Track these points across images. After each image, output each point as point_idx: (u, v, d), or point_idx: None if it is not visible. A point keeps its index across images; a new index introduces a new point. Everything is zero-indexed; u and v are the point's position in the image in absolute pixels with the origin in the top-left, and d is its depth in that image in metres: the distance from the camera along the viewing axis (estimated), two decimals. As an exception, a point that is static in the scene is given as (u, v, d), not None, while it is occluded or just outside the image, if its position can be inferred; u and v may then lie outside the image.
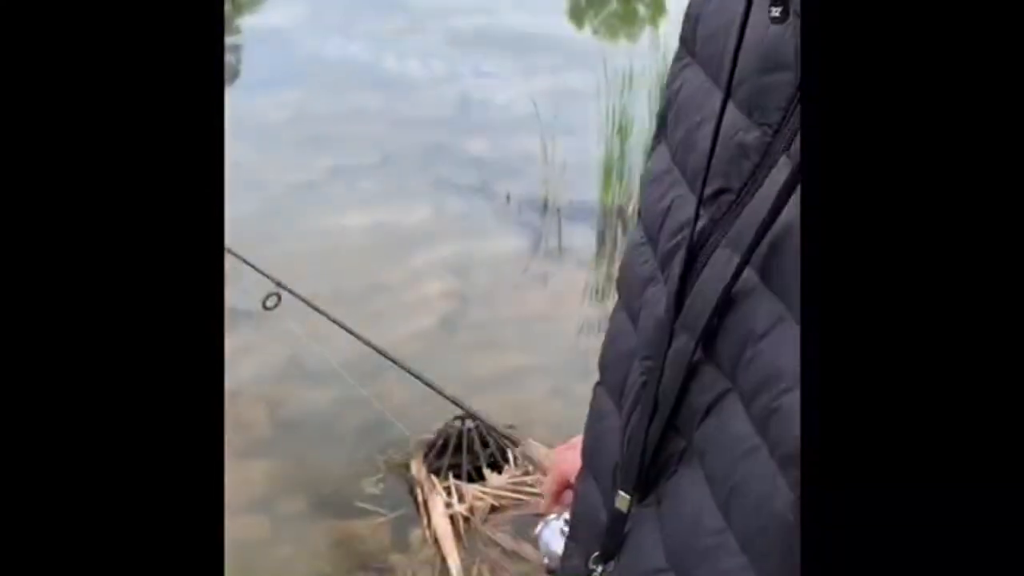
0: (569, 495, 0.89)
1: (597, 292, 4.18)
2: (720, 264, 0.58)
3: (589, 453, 0.77)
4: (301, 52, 7.18)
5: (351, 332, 1.60)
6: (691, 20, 0.69)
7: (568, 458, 0.90)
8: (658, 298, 0.65)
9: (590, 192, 4.75)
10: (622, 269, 0.75)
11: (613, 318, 0.76)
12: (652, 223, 0.69)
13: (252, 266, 2.09)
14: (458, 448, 2.71)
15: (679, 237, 0.63)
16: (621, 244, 4.65)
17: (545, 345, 3.65)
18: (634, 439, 0.64)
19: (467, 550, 2.50)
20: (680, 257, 0.62)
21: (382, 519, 2.59)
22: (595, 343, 2.99)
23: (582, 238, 4.59)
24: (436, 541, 2.52)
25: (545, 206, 4.74)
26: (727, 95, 0.59)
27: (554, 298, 4.06)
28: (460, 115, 6.24)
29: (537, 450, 1.08)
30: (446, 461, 2.71)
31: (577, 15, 9.44)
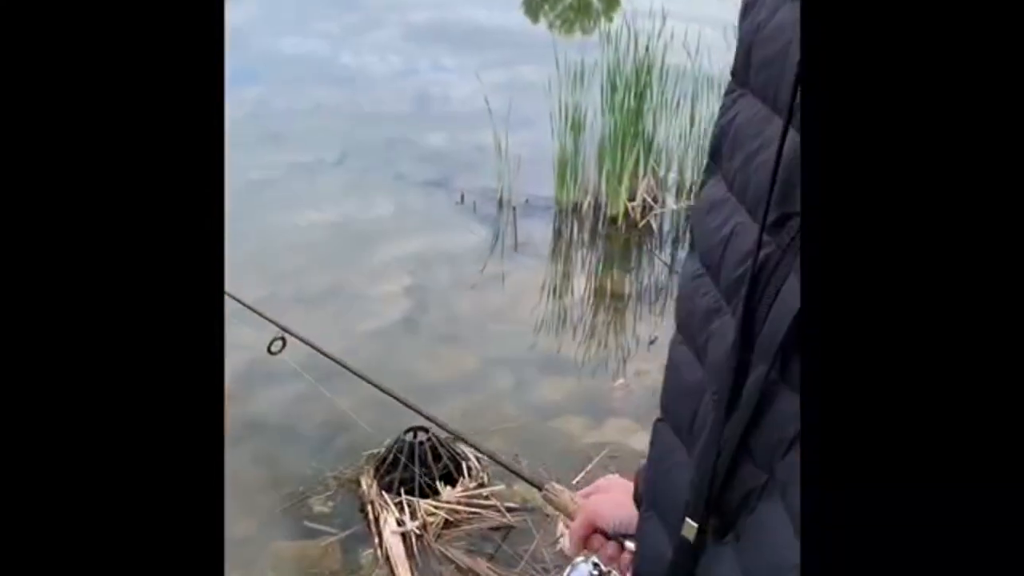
0: (596, 539, 0.88)
1: (554, 290, 4.00)
2: (794, 290, 0.56)
3: (654, 491, 0.74)
4: (257, 49, 6.88)
5: (357, 374, 1.35)
6: (743, 51, 0.67)
7: (596, 502, 0.89)
8: (726, 329, 0.63)
9: (546, 187, 4.57)
10: (680, 302, 0.72)
11: (673, 352, 0.73)
12: (711, 253, 0.66)
13: (255, 311, 1.83)
14: (410, 462, 2.51)
15: (746, 265, 0.61)
16: (576, 240, 4.48)
17: (503, 344, 3.47)
18: (702, 469, 0.63)
19: (420, 569, 2.31)
20: (752, 291, 0.59)
21: (332, 539, 2.39)
22: (553, 342, 2.78)
23: (539, 233, 4.41)
24: (388, 560, 2.33)
25: (500, 203, 4.55)
26: (788, 118, 0.56)
27: (512, 296, 3.87)
28: (419, 110, 6.03)
29: (562, 494, 0.95)
30: (398, 475, 2.51)
31: (532, 9, 9.21)
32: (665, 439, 0.72)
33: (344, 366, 1.16)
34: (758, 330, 0.59)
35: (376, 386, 1.12)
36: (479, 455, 2.69)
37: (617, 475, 0.94)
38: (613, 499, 0.89)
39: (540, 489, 1.06)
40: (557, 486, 1.03)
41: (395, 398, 1.11)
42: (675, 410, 0.71)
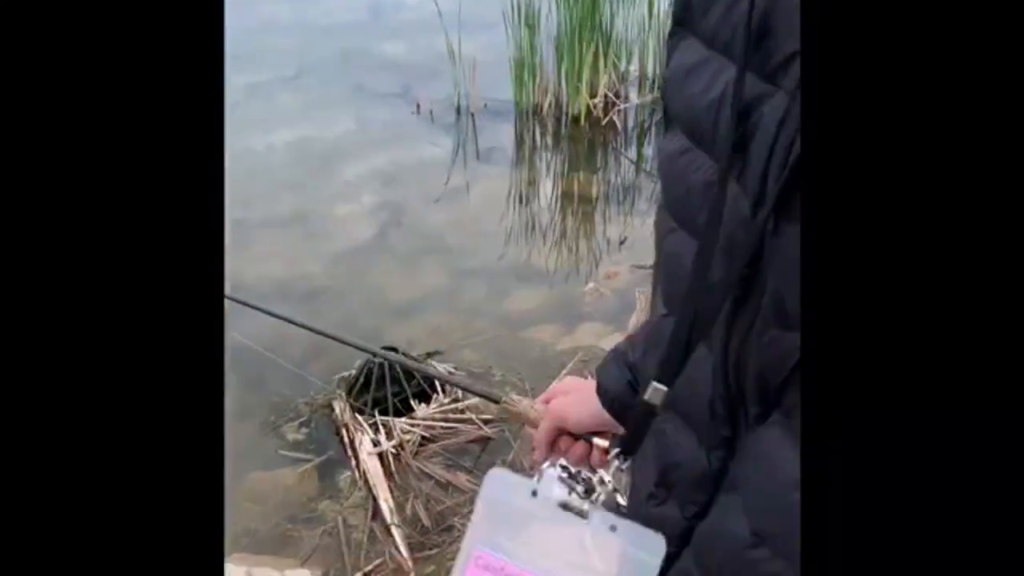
0: (564, 442, 0.84)
1: (520, 197, 3.88)
2: None
3: (672, 394, 0.66)
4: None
5: (298, 324, 1.25)
6: None
7: (559, 404, 0.85)
8: (734, 201, 0.56)
9: (504, 90, 4.38)
10: (668, 187, 0.65)
11: (667, 241, 0.65)
12: (699, 122, 0.59)
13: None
14: (381, 382, 2.45)
15: (751, 122, 0.54)
16: (540, 144, 4.33)
17: (473, 256, 3.38)
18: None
19: (399, 487, 2.28)
20: (762, 143, 0.52)
21: (308, 465, 2.34)
22: (523, 251, 2.66)
23: (501, 139, 4.26)
24: (366, 481, 2.28)
25: (458, 110, 4.37)
26: None
27: (478, 206, 3.76)
28: (372, 19, 5.76)
29: (520, 403, 0.90)
30: (371, 396, 2.45)
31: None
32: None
33: (261, 310, 1.07)
34: (772, 187, 0.53)
35: (307, 328, 1.03)
36: (453, 370, 2.64)
37: (574, 376, 0.87)
38: (576, 398, 0.84)
39: (497, 403, 1.00)
40: (515, 396, 0.97)
41: (328, 336, 1.03)
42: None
